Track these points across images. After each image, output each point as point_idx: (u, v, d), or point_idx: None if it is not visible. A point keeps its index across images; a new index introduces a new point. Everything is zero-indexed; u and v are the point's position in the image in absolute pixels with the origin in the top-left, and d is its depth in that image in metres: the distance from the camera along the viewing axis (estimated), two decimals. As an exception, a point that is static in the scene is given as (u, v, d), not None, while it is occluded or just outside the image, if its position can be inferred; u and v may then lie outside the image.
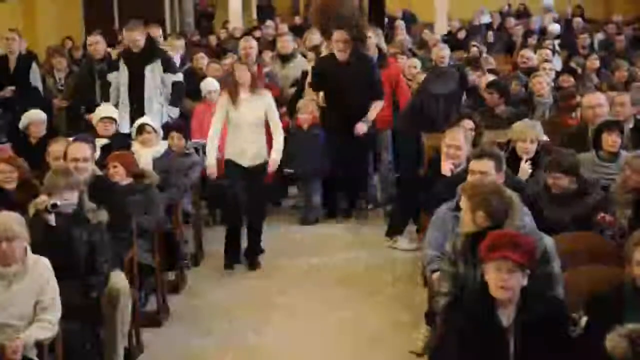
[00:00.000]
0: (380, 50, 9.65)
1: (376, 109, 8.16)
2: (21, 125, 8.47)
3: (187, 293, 7.73)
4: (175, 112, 9.55)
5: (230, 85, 8.08)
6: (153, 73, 9.37)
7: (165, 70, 9.47)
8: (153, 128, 8.46)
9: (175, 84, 9.54)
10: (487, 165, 5.65)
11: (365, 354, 6.38)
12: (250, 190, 7.99)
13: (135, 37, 9.35)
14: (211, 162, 8.05)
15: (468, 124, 7.50)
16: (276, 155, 8.07)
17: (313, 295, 7.56)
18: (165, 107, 9.43)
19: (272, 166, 8.06)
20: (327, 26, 8.59)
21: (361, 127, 8.20)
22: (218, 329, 6.84)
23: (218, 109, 8.13)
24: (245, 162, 7.95)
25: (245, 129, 7.94)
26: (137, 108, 9.04)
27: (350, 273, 8.10)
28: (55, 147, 6.96)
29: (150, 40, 9.64)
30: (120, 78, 9.32)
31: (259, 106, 7.99)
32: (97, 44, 9.93)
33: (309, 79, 9.44)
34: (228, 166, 8.05)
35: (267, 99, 8.12)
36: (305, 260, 8.43)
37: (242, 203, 8.00)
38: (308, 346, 6.58)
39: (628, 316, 4.13)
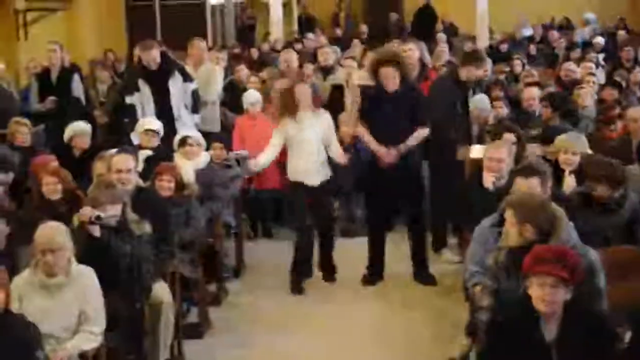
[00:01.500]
0: (423, 63, 9.68)
1: (418, 136, 7.93)
2: (65, 137, 8.53)
3: (227, 305, 7.80)
4: (197, 119, 9.60)
5: (290, 105, 8.07)
6: (176, 85, 9.46)
7: (184, 81, 9.55)
8: (196, 140, 8.50)
9: (194, 92, 9.62)
10: (533, 183, 5.59)
11: None
12: (319, 206, 8.08)
13: (154, 55, 9.41)
14: (261, 161, 8.08)
15: (510, 137, 7.48)
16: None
17: (353, 309, 7.56)
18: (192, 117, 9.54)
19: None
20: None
21: (389, 156, 7.84)
22: (258, 341, 6.88)
23: (278, 130, 8.12)
24: (311, 181, 7.97)
25: (309, 148, 7.97)
26: (167, 122, 9.01)
27: (393, 286, 8.10)
28: (100, 165, 7.00)
29: (164, 54, 9.71)
30: (143, 97, 9.34)
31: (320, 124, 8.07)
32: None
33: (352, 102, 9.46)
34: (294, 188, 8.06)
35: (326, 116, 8.23)
36: (347, 273, 8.40)
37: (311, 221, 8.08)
38: (349, 356, 6.60)
39: None
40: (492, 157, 6.78)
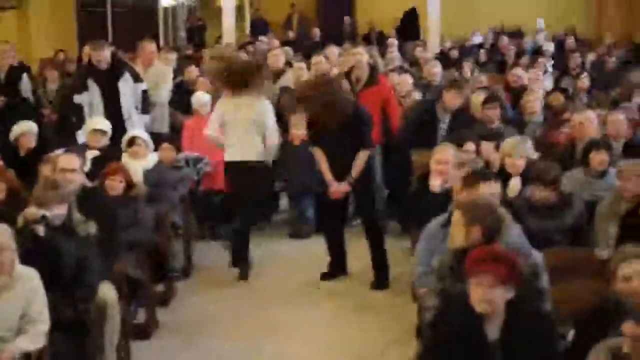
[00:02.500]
0: (372, 67, 9.66)
1: (361, 161, 7.78)
2: (11, 136, 8.48)
3: (176, 306, 7.66)
4: (147, 119, 9.62)
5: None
6: (126, 86, 9.48)
7: (135, 81, 9.59)
8: (144, 140, 8.50)
9: (143, 93, 9.66)
10: (496, 187, 5.68)
11: None
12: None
13: (105, 55, 9.45)
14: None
15: (471, 146, 7.50)
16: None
17: (302, 311, 7.54)
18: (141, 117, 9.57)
19: None
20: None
21: (337, 191, 7.82)
22: (206, 343, 6.83)
23: None
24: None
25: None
26: (116, 122, 8.99)
27: (343, 288, 8.10)
28: (46, 167, 6.92)
29: (114, 55, 9.74)
30: (92, 96, 9.32)
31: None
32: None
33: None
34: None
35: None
36: (296, 275, 8.43)
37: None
38: (295, 356, 6.63)
39: (612, 331, 4.15)
40: (439, 160, 6.87)
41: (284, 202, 10.21)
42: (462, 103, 8.97)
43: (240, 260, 8.32)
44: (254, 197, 8.41)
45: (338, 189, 7.83)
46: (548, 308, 4.85)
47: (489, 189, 5.71)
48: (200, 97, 9.85)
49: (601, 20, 19.90)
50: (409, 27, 18.34)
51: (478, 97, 9.55)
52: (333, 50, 12.65)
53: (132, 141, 8.46)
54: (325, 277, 8.24)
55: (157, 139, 8.89)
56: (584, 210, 6.31)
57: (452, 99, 8.68)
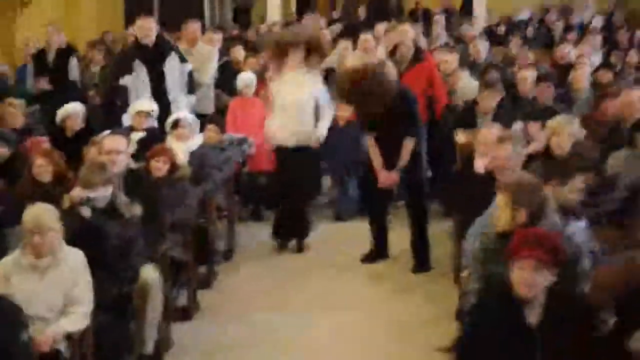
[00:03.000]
0: (417, 45, 9.59)
1: (407, 150, 7.75)
2: (58, 118, 8.53)
3: (217, 288, 7.74)
4: (192, 100, 9.57)
5: None
6: (171, 66, 9.42)
7: (180, 62, 9.53)
8: (188, 122, 8.47)
9: (189, 73, 9.59)
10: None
11: (395, 349, 6.36)
12: None
13: (150, 25, 9.42)
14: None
15: (519, 125, 7.59)
16: None
17: (346, 291, 7.57)
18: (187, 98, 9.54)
19: None
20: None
21: (388, 178, 7.85)
22: (248, 324, 6.84)
23: None
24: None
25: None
26: (162, 103, 9.00)
27: (383, 270, 8.11)
28: (93, 149, 7.00)
29: (160, 35, 9.65)
30: (138, 78, 9.30)
31: None
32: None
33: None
34: None
35: None
36: (337, 256, 8.46)
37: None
38: (340, 340, 6.57)
39: None
40: (483, 140, 6.78)
41: (327, 182, 10.16)
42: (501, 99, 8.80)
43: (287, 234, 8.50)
44: (305, 179, 8.51)
45: (387, 178, 7.83)
46: (588, 291, 4.78)
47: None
48: (245, 78, 9.80)
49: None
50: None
51: (525, 75, 9.43)
52: (379, 28, 12.54)
53: (176, 123, 8.43)
54: (366, 259, 8.25)
55: (202, 120, 8.90)
56: (627, 193, 6.21)
57: (487, 102, 8.51)
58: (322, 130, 8.40)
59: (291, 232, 8.61)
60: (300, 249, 8.57)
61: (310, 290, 7.61)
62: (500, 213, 4.96)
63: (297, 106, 8.18)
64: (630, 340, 3.99)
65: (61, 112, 8.51)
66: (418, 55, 9.37)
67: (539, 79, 9.12)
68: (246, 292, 7.62)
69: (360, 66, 7.82)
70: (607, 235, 5.70)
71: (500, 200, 4.99)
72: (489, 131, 6.93)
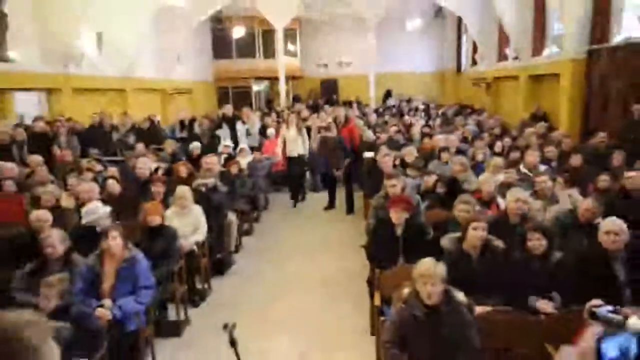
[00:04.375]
0: (346, 116, 9.36)
1: (346, 164, 7.73)
2: (190, 149, 8.10)
3: (260, 230, 7.06)
4: (247, 140, 9.44)
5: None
6: (239, 126, 9.43)
7: (243, 124, 9.58)
8: (244, 149, 8.36)
9: (247, 129, 9.60)
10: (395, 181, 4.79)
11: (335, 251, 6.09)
12: None
13: (229, 107, 9.63)
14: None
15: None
16: None
17: (318, 218, 7.30)
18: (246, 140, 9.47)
19: None
20: None
21: (339, 173, 7.84)
22: (277, 261, 5.88)
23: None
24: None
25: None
26: (234, 142, 9.00)
27: (333, 213, 7.85)
28: (207, 159, 6.75)
29: (233, 111, 9.69)
30: (225, 131, 9.27)
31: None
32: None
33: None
34: None
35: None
36: (314, 206, 8.17)
37: None
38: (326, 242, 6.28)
39: None
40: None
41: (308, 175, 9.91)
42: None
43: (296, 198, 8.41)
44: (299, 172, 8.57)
45: (337, 173, 7.85)
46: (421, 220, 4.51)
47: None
48: (270, 131, 9.64)
49: (444, 92, 19.75)
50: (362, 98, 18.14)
51: (389, 129, 9.30)
52: (328, 109, 12.52)
53: (240, 150, 8.39)
54: (326, 209, 8.16)
55: (253, 149, 8.76)
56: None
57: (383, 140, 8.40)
58: (305, 150, 8.46)
59: (296, 196, 8.48)
60: (303, 199, 8.50)
61: (310, 230, 7.08)
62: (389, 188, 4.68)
63: (294, 140, 8.27)
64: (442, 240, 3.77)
65: (190, 147, 8.20)
66: (347, 120, 9.10)
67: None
68: (275, 233, 6.95)
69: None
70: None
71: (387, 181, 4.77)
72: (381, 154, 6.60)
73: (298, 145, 8.40)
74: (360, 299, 4.52)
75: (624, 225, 3.21)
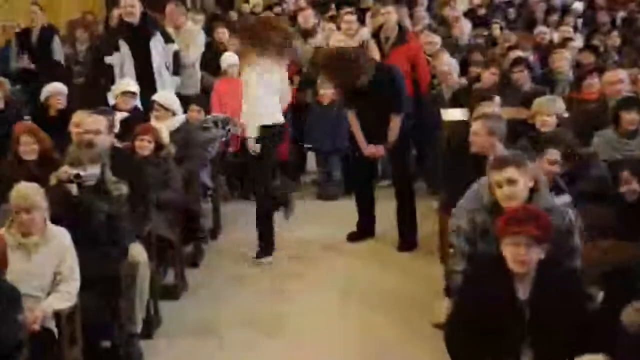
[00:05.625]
0: (400, 27, 9.61)
1: (394, 126, 7.77)
2: (42, 96, 8.47)
3: (204, 266, 7.78)
4: (178, 81, 9.54)
5: None
6: (157, 46, 9.39)
7: (166, 42, 9.50)
8: (161, 104, 8.23)
9: (175, 54, 9.57)
10: (512, 172, 5.17)
11: (383, 328, 6.35)
12: None
13: (133, 3, 9.28)
14: None
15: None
16: None
17: (330, 268, 7.64)
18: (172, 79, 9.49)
19: None
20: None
21: (373, 150, 7.88)
22: (235, 302, 6.89)
23: None
24: None
25: None
26: (147, 83, 8.96)
27: (369, 248, 8.13)
28: (77, 119, 6.92)
29: (145, 14, 9.55)
30: (123, 57, 9.25)
31: None
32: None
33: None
34: None
35: None
36: (323, 235, 8.46)
37: None
38: (324, 316, 6.62)
39: None
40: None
41: (312, 163, 10.24)
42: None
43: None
44: None
45: (373, 151, 7.86)
46: (578, 266, 4.81)
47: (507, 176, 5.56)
48: (229, 58, 9.79)
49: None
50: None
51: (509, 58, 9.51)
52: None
53: (151, 105, 8.33)
54: (352, 237, 8.27)
55: (187, 101, 8.87)
56: (604, 173, 6.25)
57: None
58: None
59: (270, 206, 8.28)
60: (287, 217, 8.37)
61: (297, 269, 7.64)
62: (494, 191, 4.95)
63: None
64: (620, 316, 4.00)
65: (44, 91, 8.45)
66: (402, 36, 9.40)
67: (512, 64, 9.04)
68: (233, 271, 7.64)
69: (331, 52, 7.96)
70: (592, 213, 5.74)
71: (491, 178, 5.02)
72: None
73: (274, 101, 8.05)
74: None
75: None
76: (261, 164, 7.78)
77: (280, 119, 7.90)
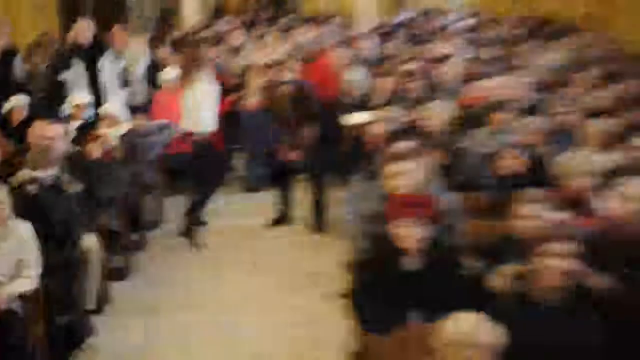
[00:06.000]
0: (314, 44, 9.69)
1: (308, 134, 8.02)
2: (4, 110, 8.27)
3: (148, 252, 7.81)
4: (125, 93, 9.46)
5: None
6: (106, 64, 9.31)
7: (115, 59, 9.42)
8: (107, 114, 8.22)
9: (123, 70, 9.52)
10: (404, 164, 5.34)
11: (305, 299, 6.52)
12: None
13: (86, 26, 9.31)
14: None
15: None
16: None
17: (254, 251, 7.71)
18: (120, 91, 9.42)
19: None
20: None
21: (293, 156, 8.10)
22: (176, 281, 6.98)
23: None
24: None
25: None
26: (98, 96, 8.91)
27: (287, 230, 8.31)
28: (36, 128, 6.81)
29: (96, 35, 9.51)
30: (76, 73, 9.14)
31: None
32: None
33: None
34: None
35: None
36: (246, 221, 8.56)
37: None
38: (254, 295, 6.71)
39: (506, 260, 4.29)
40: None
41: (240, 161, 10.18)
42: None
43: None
44: None
45: (292, 157, 8.03)
46: (459, 243, 4.97)
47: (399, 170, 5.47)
48: (167, 73, 9.60)
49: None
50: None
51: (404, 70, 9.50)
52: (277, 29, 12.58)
53: (101, 115, 8.30)
54: (273, 223, 8.40)
55: (134, 110, 8.85)
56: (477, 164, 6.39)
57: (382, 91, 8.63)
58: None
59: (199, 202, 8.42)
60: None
61: (226, 253, 7.75)
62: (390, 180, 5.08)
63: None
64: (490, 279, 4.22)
65: (6, 106, 8.25)
66: (314, 54, 9.43)
67: (407, 74, 9.03)
68: (172, 256, 7.69)
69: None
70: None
71: (389, 169, 5.14)
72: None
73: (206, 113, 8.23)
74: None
75: None
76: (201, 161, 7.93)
77: (213, 124, 8.05)
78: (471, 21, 16.30)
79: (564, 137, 6.66)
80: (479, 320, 3.30)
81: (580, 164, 5.48)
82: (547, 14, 16.68)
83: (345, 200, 6.34)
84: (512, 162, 6.01)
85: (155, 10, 18.92)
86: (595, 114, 6.95)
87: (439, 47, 11.56)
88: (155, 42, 12.05)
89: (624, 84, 8.53)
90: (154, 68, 10.36)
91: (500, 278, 4.20)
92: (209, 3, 19.23)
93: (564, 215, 4.71)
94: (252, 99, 9.23)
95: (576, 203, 5.15)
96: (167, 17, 18.26)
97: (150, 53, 11.14)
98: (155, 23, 17.90)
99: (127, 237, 7.40)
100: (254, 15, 17.91)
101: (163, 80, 9.66)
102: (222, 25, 14.77)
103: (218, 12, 18.52)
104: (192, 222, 8.14)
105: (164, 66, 10.20)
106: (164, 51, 11.11)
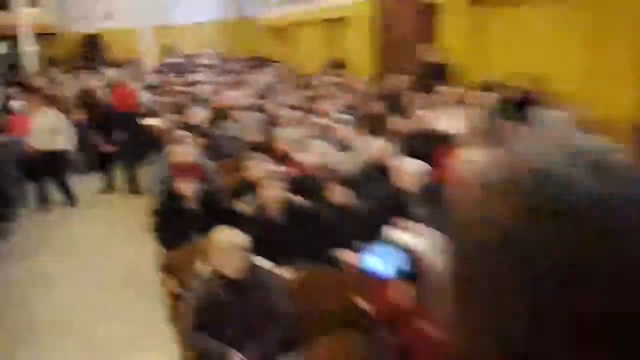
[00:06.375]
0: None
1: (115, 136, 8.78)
2: None
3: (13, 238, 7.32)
4: None
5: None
6: None
7: None
8: None
9: None
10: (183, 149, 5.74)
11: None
12: None
13: None
14: None
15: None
16: None
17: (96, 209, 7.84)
18: None
19: None
20: None
21: (108, 148, 8.94)
22: (34, 259, 6.84)
23: None
24: None
25: None
26: None
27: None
28: None
29: None
30: None
31: None
32: None
33: None
34: None
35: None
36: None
37: None
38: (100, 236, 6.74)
39: (246, 195, 4.89)
40: None
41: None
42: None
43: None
44: None
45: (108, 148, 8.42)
46: (218, 189, 5.27)
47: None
48: (18, 104, 10.17)
49: (240, 44, 21.80)
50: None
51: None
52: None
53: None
54: (103, 192, 9.05)
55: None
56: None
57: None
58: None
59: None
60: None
61: (86, 223, 7.81)
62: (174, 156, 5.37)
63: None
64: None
65: None
66: (120, 83, 10.27)
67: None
68: (35, 239, 7.26)
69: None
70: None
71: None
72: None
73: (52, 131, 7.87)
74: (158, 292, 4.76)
75: (420, 166, 4.22)
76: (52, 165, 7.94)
77: (55, 144, 8.11)
78: (217, 59, 18.28)
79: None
80: (233, 232, 3.44)
81: (286, 135, 6.28)
82: (263, 54, 19.57)
83: (150, 173, 6.54)
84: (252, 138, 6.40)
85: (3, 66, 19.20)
86: (293, 107, 8.00)
87: (195, 76, 13.14)
88: (8, 84, 12.63)
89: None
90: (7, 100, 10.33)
91: (244, 205, 4.59)
92: (43, 57, 19.41)
93: (277, 166, 5.13)
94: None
95: (284, 158, 5.72)
96: (15, 69, 18.80)
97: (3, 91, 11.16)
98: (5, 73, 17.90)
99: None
100: (75, 63, 18.77)
101: (15, 109, 9.87)
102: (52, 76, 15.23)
103: (51, 62, 19.03)
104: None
105: (13, 100, 10.28)
106: (15, 91, 11.52)
